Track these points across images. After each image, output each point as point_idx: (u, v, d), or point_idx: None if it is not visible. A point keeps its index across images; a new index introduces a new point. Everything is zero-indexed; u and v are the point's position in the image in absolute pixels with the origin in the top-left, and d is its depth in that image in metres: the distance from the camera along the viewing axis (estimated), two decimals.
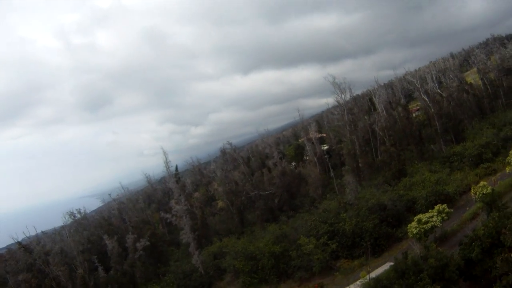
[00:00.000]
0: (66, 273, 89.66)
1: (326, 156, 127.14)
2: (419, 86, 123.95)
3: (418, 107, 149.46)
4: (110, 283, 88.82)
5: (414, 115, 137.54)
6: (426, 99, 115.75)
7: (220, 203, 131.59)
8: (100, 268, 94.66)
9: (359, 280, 61.21)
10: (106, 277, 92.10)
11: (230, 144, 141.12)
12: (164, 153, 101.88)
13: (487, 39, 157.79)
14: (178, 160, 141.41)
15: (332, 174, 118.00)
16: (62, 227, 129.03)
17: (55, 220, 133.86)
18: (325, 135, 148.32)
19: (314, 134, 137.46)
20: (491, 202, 57.36)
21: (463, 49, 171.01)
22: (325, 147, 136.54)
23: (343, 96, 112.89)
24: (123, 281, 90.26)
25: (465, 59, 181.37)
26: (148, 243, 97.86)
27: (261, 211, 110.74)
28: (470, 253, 48.81)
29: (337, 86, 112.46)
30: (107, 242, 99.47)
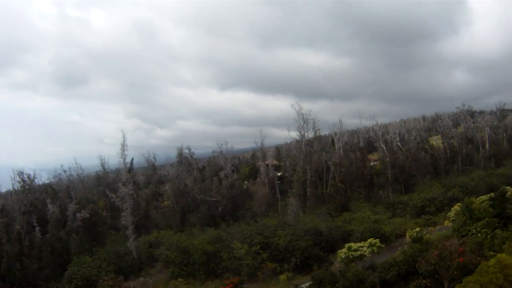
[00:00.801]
0: (2, 226, 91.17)
1: (278, 182, 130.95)
2: (380, 135, 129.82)
3: (377, 158, 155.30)
4: (44, 245, 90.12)
5: (372, 163, 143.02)
6: (384, 147, 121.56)
7: (166, 202, 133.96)
8: (37, 229, 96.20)
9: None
10: (42, 238, 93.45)
11: (189, 149, 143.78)
12: (123, 137, 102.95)
13: (458, 109, 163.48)
14: (136, 157, 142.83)
15: (278, 196, 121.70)
16: (8, 191, 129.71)
17: (2, 184, 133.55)
18: (282, 163, 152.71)
19: (270, 160, 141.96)
20: (417, 240, 61.62)
21: (436, 114, 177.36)
22: (279, 174, 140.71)
23: (305, 125, 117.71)
24: (57, 247, 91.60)
25: (434, 124, 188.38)
26: (88, 215, 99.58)
27: (203, 215, 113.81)
28: (386, 275, 53.29)
29: (302, 116, 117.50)
30: (49, 206, 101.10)
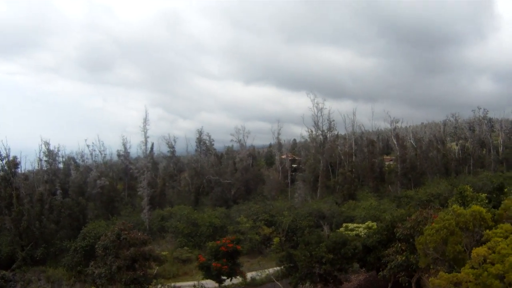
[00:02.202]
0: (26, 188, 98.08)
1: (292, 172, 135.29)
2: (393, 129, 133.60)
3: (392, 158, 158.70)
4: (63, 208, 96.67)
5: (387, 163, 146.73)
6: (395, 142, 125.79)
7: (183, 183, 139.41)
8: (58, 192, 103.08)
9: None
10: (61, 202, 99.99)
11: (209, 136, 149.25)
12: (146, 112, 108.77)
13: (473, 111, 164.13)
14: (157, 145, 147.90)
15: (289, 182, 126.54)
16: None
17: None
18: (297, 157, 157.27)
19: (286, 151, 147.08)
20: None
21: (452, 114, 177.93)
22: (294, 165, 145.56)
23: (320, 114, 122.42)
24: (75, 210, 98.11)
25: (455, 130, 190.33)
26: (107, 183, 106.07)
27: (216, 196, 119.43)
28: (367, 241, 58.32)
29: (316, 105, 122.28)
30: (71, 171, 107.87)
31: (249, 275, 71.79)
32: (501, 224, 37.72)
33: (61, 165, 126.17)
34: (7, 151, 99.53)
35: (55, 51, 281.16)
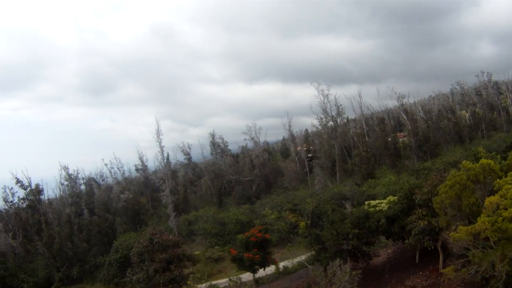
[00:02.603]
0: (54, 212, 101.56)
1: (309, 162, 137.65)
2: (400, 105, 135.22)
3: (405, 134, 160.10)
4: (92, 226, 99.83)
5: (400, 139, 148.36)
6: (405, 117, 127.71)
7: (204, 187, 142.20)
8: (85, 211, 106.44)
9: None
10: (89, 220, 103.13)
11: (222, 138, 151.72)
12: (157, 123, 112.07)
13: (477, 77, 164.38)
14: (173, 156, 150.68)
15: (307, 170, 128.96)
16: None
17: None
18: (311, 147, 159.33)
19: (300, 142, 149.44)
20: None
21: (457, 82, 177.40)
22: (310, 155, 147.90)
23: (327, 100, 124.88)
24: (104, 226, 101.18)
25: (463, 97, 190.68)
26: (131, 196, 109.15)
27: (238, 195, 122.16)
28: (389, 212, 60.68)
29: (321, 92, 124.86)
30: (95, 189, 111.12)
31: (281, 264, 74.57)
32: (511, 173, 39.88)
33: (82, 187, 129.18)
34: (28, 180, 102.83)
35: (56, 81, 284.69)
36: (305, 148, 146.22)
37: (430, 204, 52.61)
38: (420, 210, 54.56)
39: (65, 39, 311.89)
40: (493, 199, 36.31)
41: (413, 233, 53.88)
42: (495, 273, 35.98)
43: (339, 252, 56.91)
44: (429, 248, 53.91)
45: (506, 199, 35.68)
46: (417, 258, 60.12)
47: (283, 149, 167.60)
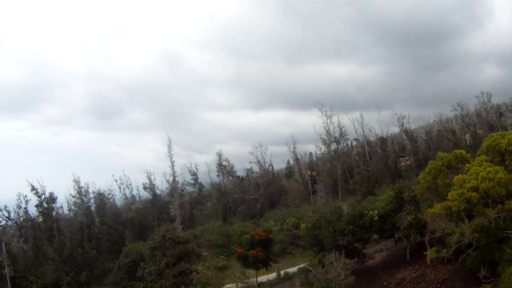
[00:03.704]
0: (66, 219, 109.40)
1: (312, 184, 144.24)
2: (401, 124, 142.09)
3: (407, 157, 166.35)
4: (102, 234, 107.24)
5: (402, 163, 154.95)
6: (405, 137, 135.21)
7: (209, 207, 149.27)
8: (96, 220, 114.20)
9: None
10: (100, 228, 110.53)
11: (228, 161, 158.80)
12: (169, 140, 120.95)
13: (477, 97, 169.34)
14: (181, 177, 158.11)
15: (310, 189, 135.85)
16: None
17: None
18: (314, 172, 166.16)
19: (304, 165, 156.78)
20: None
21: (457, 104, 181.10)
22: (313, 174, 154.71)
23: (330, 122, 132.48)
24: (114, 235, 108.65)
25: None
26: (141, 206, 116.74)
27: (243, 214, 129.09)
28: (382, 211, 68.51)
29: (325, 113, 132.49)
30: (105, 200, 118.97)
31: (282, 272, 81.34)
32: (478, 157, 47.83)
33: (92, 201, 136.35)
34: (43, 188, 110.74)
35: (62, 104, 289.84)
36: (309, 172, 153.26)
37: (416, 200, 60.10)
38: (408, 207, 62.16)
39: (73, 63, 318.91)
40: (460, 176, 44.37)
41: (401, 227, 61.40)
42: (465, 239, 43.38)
43: (335, 248, 63.65)
44: (415, 241, 61.43)
45: (470, 175, 43.49)
46: (407, 255, 67.22)
47: (288, 172, 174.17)
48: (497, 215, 42.92)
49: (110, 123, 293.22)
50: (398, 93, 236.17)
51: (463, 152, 50.76)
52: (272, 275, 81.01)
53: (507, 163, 47.68)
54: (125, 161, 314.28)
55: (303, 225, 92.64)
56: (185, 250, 70.79)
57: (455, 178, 44.81)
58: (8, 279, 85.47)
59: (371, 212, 70.22)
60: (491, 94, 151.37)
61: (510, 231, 42.60)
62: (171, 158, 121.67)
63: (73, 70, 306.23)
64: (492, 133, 57.94)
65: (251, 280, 73.72)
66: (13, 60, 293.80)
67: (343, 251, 61.53)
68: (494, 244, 43.46)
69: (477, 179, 42.17)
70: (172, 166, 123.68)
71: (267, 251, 72.76)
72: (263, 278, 79.14)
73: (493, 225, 43.02)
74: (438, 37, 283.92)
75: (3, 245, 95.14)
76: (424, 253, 57.06)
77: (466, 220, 44.46)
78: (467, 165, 47.24)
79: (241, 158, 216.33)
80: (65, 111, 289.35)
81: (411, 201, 62.05)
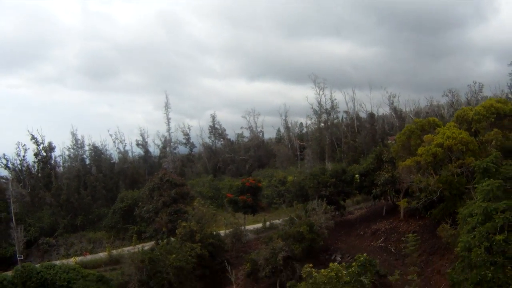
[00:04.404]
0: (63, 168, 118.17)
1: (300, 151, 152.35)
2: (390, 103, 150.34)
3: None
4: (98, 181, 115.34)
5: (389, 142, 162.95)
6: (394, 114, 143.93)
7: (200, 165, 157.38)
8: (93, 168, 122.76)
9: None
10: (96, 176, 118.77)
11: (220, 125, 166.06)
12: (166, 97, 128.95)
13: (469, 86, 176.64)
14: (174, 136, 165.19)
15: (298, 158, 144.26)
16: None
17: None
18: (304, 142, 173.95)
19: (294, 134, 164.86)
20: None
21: (449, 90, 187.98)
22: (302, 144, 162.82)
23: (322, 93, 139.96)
24: (109, 183, 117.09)
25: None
26: (137, 157, 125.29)
27: (232, 173, 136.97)
28: (363, 169, 77.67)
29: (318, 84, 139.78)
30: (100, 153, 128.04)
31: (268, 222, 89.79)
32: (448, 123, 57.08)
33: (87, 153, 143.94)
34: (42, 138, 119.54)
35: (57, 62, 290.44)
36: (298, 141, 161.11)
37: (394, 161, 69.07)
38: (386, 166, 71.24)
39: (70, 20, 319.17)
40: (430, 135, 53.50)
41: (379, 183, 70.54)
42: (433, 193, 52.69)
43: (319, 198, 71.92)
44: (391, 196, 70.89)
45: (438, 135, 52.67)
46: (384, 212, 76.45)
47: (278, 139, 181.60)
48: (459, 170, 51.90)
49: (103, 84, 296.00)
50: (393, 75, 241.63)
51: (436, 119, 60.06)
52: (258, 225, 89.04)
53: (473, 130, 56.79)
54: (117, 122, 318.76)
55: (290, 178, 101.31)
56: (180, 192, 79.65)
57: (425, 137, 53.98)
58: (13, 215, 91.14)
59: (353, 170, 79.42)
60: (483, 84, 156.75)
61: (470, 186, 50.96)
62: (167, 115, 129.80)
63: (69, 27, 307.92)
64: (463, 107, 66.89)
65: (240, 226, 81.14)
66: (10, 15, 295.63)
67: (325, 200, 70.37)
68: (456, 197, 52.52)
69: (443, 138, 51.24)
70: (168, 122, 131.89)
71: (256, 198, 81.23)
72: (250, 227, 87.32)
73: (456, 180, 52.01)
74: (440, 26, 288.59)
75: (10, 182, 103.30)
76: (397, 203, 66.30)
77: (433, 173, 53.68)
78: (438, 129, 56.37)
79: (233, 125, 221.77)
80: (60, 68, 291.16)
81: (389, 161, 70.87)
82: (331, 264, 43.92)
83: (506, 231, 36.39)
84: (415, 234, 56.41)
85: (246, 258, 65.27)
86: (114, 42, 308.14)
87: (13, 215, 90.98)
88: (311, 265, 45.80)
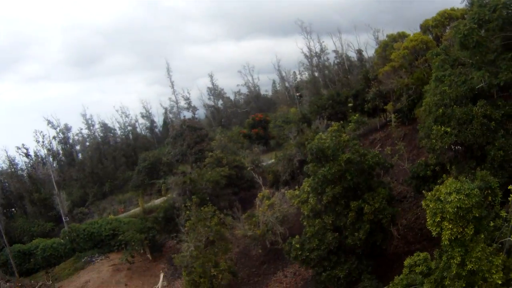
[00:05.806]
0: (82, 144, 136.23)
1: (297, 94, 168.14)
2: (375, 38, 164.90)
3: None
4: (117, 150, 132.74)
5: None
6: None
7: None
8: (110, 138, 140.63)
9: None
10: (114, 146, 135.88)
11: (217, 85, 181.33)
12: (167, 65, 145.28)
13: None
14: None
15: (297, 100, 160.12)
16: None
17: None
18: (298, 94, 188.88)
19: (289, 81, 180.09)
20: None
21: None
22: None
23: (312, 40, 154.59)
24: (128, 150, 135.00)
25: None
26: (148, 123, 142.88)
27: (237, 125, 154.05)
28: (353, 92, 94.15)
29: (305, 28, 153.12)
30: (117, 122, 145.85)
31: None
32: (414, 33, 74.42)
33: (98, 130, 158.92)
34: (57, 121, 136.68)
35: (40, 59, 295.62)
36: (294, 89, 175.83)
37: (379, 78, 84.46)
38: (373, 83, 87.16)
39: (45, 15, 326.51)
40: (398, 43, 70.78)
41: (369, 98, 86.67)
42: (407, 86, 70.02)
43: (319, 119, 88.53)
44: (380, 107, 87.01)
45: (406, 41, 70.04)
46: (378, 126, 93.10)
47: (274, 91, 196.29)
48: (426, 65, 68.47)
49: (91, 71, 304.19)
50: (382, 15, 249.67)
51: (405, 32, 77.01)
52: (271, 161, 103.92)
53: (434, 35, 73.75)
54: (111, 107, 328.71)
55: (292, 109, 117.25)
56: (200, 134, 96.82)
57: (395, 44, 71.11)
58: (54, 183, 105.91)
59: (346, 93, 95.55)
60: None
61: None
62: (170, 78, 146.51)
63: (46, 23, 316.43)
64: (426, 18, 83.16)
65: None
66: None
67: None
68: None
69: (408, 42, 68.44)
70: (172, 85, 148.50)
71: (266, 130, 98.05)
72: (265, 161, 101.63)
73: (425, 76, 68.72)
74: None
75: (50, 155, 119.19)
76: (384, 107, 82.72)
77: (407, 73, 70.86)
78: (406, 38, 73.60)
79: (227, 89, 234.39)
80: (45, 65, 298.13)
81: (374, 79, 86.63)
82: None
83: None
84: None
85: (268, 170, 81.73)
86: (95, 27, 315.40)
87: (54, 183, 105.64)
88: None
